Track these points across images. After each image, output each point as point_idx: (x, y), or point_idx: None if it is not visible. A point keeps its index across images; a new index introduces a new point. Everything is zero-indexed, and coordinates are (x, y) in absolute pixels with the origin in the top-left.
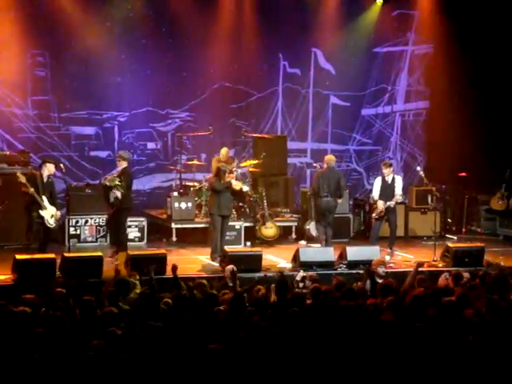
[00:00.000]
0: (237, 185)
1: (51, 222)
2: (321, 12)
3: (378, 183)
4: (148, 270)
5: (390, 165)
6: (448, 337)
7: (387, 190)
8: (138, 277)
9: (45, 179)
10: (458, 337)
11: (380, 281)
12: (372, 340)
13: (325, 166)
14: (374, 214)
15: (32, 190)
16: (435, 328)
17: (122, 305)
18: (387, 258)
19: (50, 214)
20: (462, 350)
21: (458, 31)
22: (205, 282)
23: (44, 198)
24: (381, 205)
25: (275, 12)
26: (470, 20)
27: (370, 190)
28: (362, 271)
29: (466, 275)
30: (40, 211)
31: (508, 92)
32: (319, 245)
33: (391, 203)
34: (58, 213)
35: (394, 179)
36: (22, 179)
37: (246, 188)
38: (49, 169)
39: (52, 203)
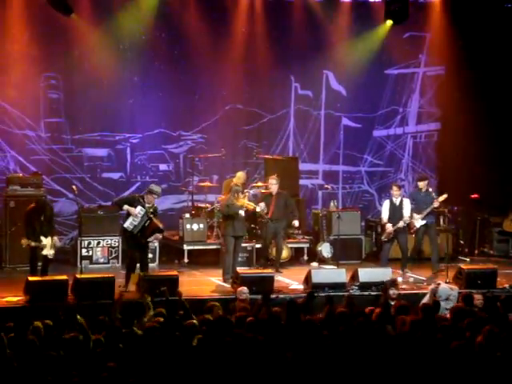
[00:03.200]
0: (250, 205)
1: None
2: (332, 34)
3: (386, 206)
4: (162, 291)
5: (400, 187)
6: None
7: (396, 213)
8: (149, 299)
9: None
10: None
11: (392, 303)
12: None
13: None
14: (383, 237)
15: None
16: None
17: (135, 329)
18: (399, 279)
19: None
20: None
21: (469, 53)
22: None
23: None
24: (389, 227)
25: (287, 34)
26: (481, 42)
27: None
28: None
29: (479, 297)
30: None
31: None
32: (331, 266)
33: (399, 225)
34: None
35: (402, 201)
36: None
37: (258, 208)
38: None
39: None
